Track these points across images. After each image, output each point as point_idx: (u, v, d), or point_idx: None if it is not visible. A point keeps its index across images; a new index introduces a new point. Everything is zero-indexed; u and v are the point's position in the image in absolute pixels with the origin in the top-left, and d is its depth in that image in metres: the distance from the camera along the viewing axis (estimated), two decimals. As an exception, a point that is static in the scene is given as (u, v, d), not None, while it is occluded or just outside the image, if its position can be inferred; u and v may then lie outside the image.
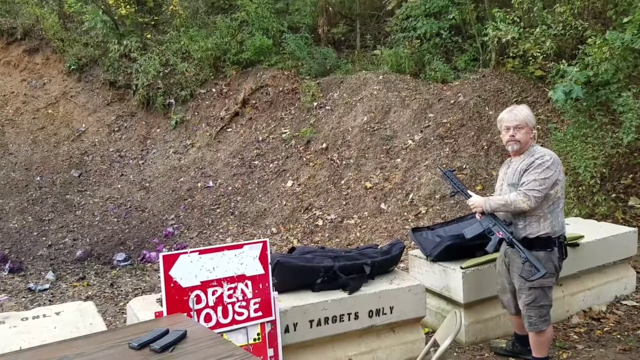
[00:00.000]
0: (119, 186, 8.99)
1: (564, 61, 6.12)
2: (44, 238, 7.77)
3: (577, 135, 5.87)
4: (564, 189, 3.47)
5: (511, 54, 7.62)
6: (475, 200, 3.53)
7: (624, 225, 5.33)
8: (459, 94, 8.20)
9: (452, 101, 8.14)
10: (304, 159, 8.52)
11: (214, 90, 10.21)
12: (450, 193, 3.68)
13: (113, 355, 2.19)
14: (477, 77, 8.41)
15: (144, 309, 3.10)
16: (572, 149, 5.90)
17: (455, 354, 4.01)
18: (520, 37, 6.90)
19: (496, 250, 3.59)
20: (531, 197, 3.23)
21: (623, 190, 6.08)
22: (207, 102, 10.09)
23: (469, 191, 3.73)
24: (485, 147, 7.40)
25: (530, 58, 7.32)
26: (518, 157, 3.39)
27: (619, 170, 6.18)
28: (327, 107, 9.12)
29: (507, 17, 7.16)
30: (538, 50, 6.88)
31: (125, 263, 7.01)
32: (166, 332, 2.34)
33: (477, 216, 3.59)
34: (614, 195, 5.99)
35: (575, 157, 5.80)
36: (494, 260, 4.19)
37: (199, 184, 8.83)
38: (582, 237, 4.61)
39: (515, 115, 3.35)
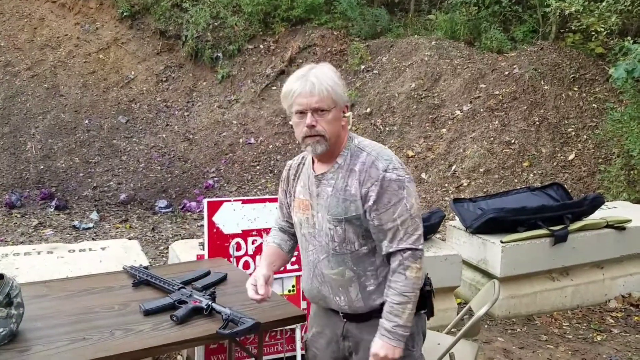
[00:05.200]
0: (164, 136, 9.14)
1: (629, 38, 5.81)
2: (89, 180, 8.01)
3: (635, 117, 5.62)
4: None
5: (573, 28, 7.28)
6: (387, 350, 1.79)
7: (676, 213, 5.12)
8: (514, 66, 7.92)
9: (506, 72, 7.88)
10: (348, 121, 8.44)
11: (261, 46, 10.15)
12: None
13: (155, 291, 2.26)
14: (534, 49, 8.09)
15: (185, 251, 3.18)
16: (628, 130, 5.66)
17: (486, 325, 3.99)
18: (585, 10, 6.58)
19: (184, 320, 2.00)
20: (421, 252, 1.82)
21: (678, 177, 5.83)
22: (254, 58, 10.06)
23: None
24: (537, 122, 7.17)
25: (593, 33, 6.98)
26: (328, 164, 1.89)
27: (676, 157, 5.91)
28: (374, 71, 8.97)
29: (573, -13, 6.82)
30: (602, 26, 6.55)
31: (167, 210, 7.18)
32: (208, 273, 2.40)
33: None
34: (668, 182, 5.76)
35: (630, 139, 5.57)
36: (536, 237, 4.11)
37: (241, 140, 8.89)
38: (629, 221, 4.46)
39: (312, 87, 1.79)
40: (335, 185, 1.86)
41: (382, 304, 1.84)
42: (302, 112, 1.81)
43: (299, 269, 3.21)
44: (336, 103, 1.82)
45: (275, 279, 3.18)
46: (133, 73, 10.23)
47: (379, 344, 1.79)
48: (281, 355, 3.13)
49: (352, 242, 1.85)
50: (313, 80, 1.79)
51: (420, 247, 1.82)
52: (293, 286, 3.19)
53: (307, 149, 1.85)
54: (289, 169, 2.05)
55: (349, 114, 1.91)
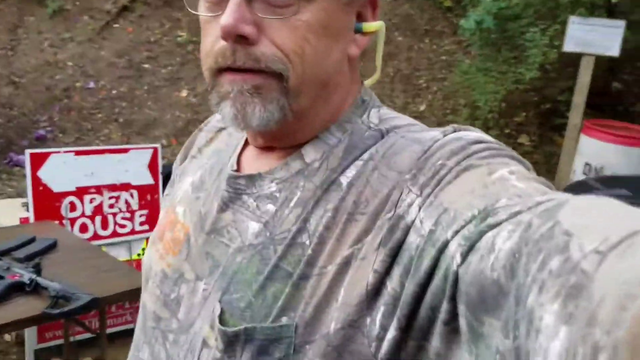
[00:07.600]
0: (-19, 78, 7.83)
1: (479, -10, 6.02)
2: None
3: (482, 68, 5.90)
4: None
5: (425, -21, 7.43)
6: None
7: (514, 160, 5.52)
8: (369, 16, 7.93)
9: (361, 22, 7.87)
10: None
11: (100, -21, 9.04)
12: None
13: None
14: (388, 0, 8.16)
15: (6, 214, 2.65)
16: (475, 82, 5.94)
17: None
18: (437, -39, 6.70)
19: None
20: None
21: (515, 127, 6.30)
22: (91, -8, 8.94)
23: None
24: (392, 74, 7.28)
25: (444, -15, 7.18)
26: (280, 155, 0.64)
27: (514, 108, 6.37)
28: (229, 14, 8.46)
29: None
30: (453, -22, 6.74)
31: (-13, 165, 6.18)
32: (32, 240, 1.96)
33: None
34: (507, 131, 6.19)
35: (477, 89, 5.85)
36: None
37: (78, 84, 7.93)
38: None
39: None
40: (272, 218, 0.60)
41: None
42: None
43: (150, 230, 2.84)
44: None
45: (122, 242, 2.79)
46: (-63, 2, 8.55)
47: None
48: (131, 325, 2.77)
49: None
50: None
51: None
52: (143, 249, 2.82)
53: (222, 108, 0.60)
54: (198, 132, 0.91)
55: (377, 23, 0.66)
